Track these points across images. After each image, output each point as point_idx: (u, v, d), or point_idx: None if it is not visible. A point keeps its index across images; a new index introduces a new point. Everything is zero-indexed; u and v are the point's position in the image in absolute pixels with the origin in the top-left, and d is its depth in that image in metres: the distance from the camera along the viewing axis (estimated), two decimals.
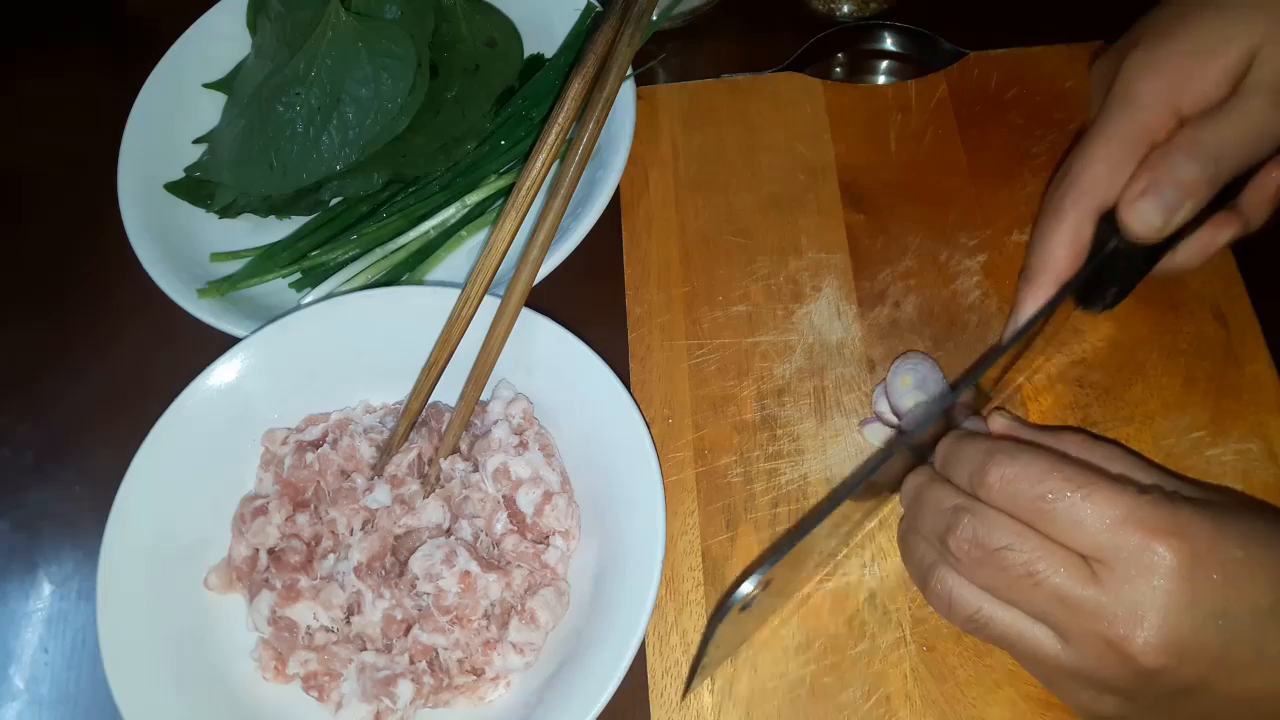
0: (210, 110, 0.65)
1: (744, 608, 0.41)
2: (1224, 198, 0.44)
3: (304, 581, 0.48)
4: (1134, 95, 0.45)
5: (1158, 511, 0.36)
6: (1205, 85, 0.43)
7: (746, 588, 0.40)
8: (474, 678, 0.47)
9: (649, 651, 0.47)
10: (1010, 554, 0.37)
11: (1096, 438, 0.43)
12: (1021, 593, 0.37)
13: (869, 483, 0.43)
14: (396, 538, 0.49)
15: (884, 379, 0.52)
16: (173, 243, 0.60)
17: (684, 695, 0.46)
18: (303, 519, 0.50)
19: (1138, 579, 0.35)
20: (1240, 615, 0.35)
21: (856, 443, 0.51)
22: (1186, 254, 0.46)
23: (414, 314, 0.52)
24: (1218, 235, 0.46)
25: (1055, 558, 0.37)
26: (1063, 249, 0.45)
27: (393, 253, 0.59)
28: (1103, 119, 0.46)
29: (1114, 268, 0.45)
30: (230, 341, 0.52)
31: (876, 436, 0.50)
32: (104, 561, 0.47)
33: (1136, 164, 0.44)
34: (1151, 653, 0.35)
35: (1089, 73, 0.51)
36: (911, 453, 0.44)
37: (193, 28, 0.66)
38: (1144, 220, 0.43)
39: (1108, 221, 0.45)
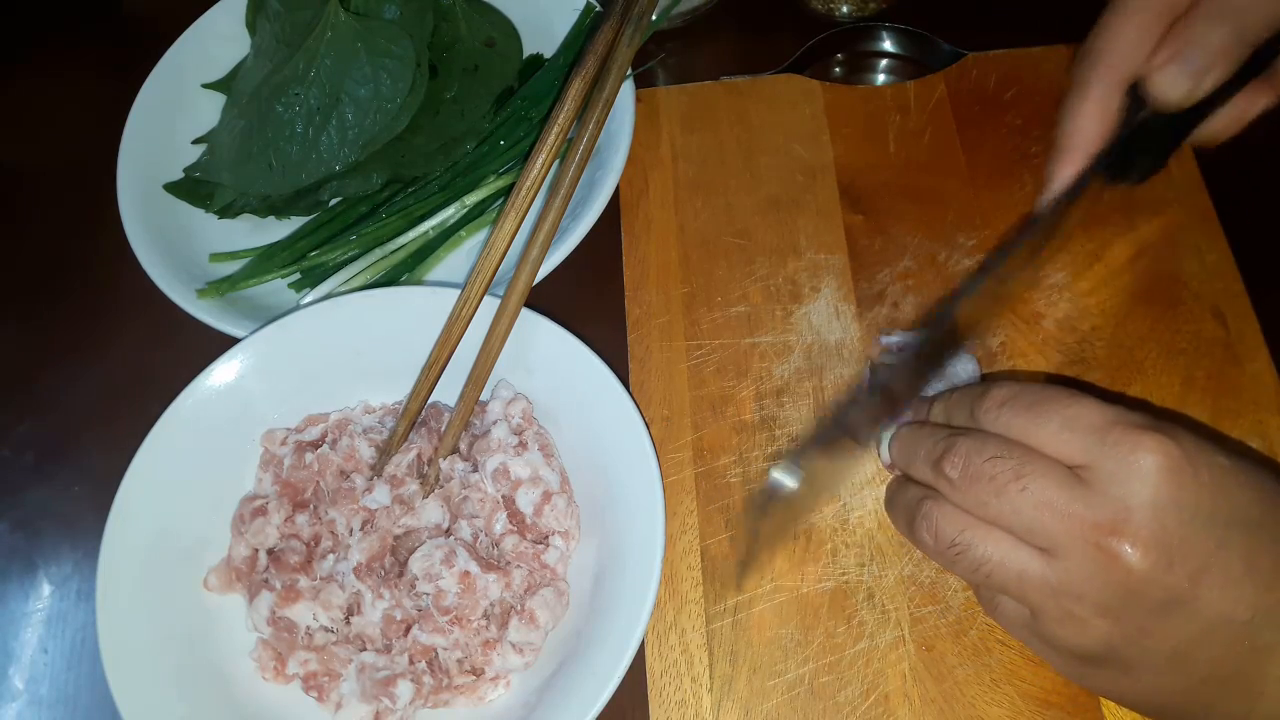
0: (210, 110, 0.65)
1: (780, 502, 0.41)
2: (1258, 66, 0.44)
3: (303, 582, 0.48)
4: None
5: (1142, 416, 0.36)
6: None
7: (776, 482, 0.40)
8: (473, 678, 0.47)
9: (648, 651, 0.47)
10: (1000, 461, 0.37)
11: None
12: (1009, 501, 0.37)
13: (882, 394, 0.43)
14: (396, 538, 0.49)
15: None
16: (172, 243, 0.60)
17: (738, 587, 0.47)
18: (302, 519, 0.50)
19: (1125, 476, 0.35)
20: (1230, 522, 0.35)
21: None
22: (1221, 123, 0.46)
23: (414, 314, 0.52)
24: (1252, 104, 0.45)
25: (1041, 462, 0.37)
26: (1091, 122, 0.44)
27: (392, 253, 0.59)
28: None
29: (1144, 139, 0.45)
30: (230, 341, 0.52)
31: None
32: (103, 561, 0.47)
33: (1162, 31, 0.43)
34: (1140, 548, 0.34)
35: None
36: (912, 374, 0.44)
37: (192, 28, 0.66)
38: (1171, 87, 0.42)
39: (1135, 92, 0.44)
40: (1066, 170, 0.46)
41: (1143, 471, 0.35)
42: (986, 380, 0.50)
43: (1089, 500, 0.35)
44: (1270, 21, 0.42)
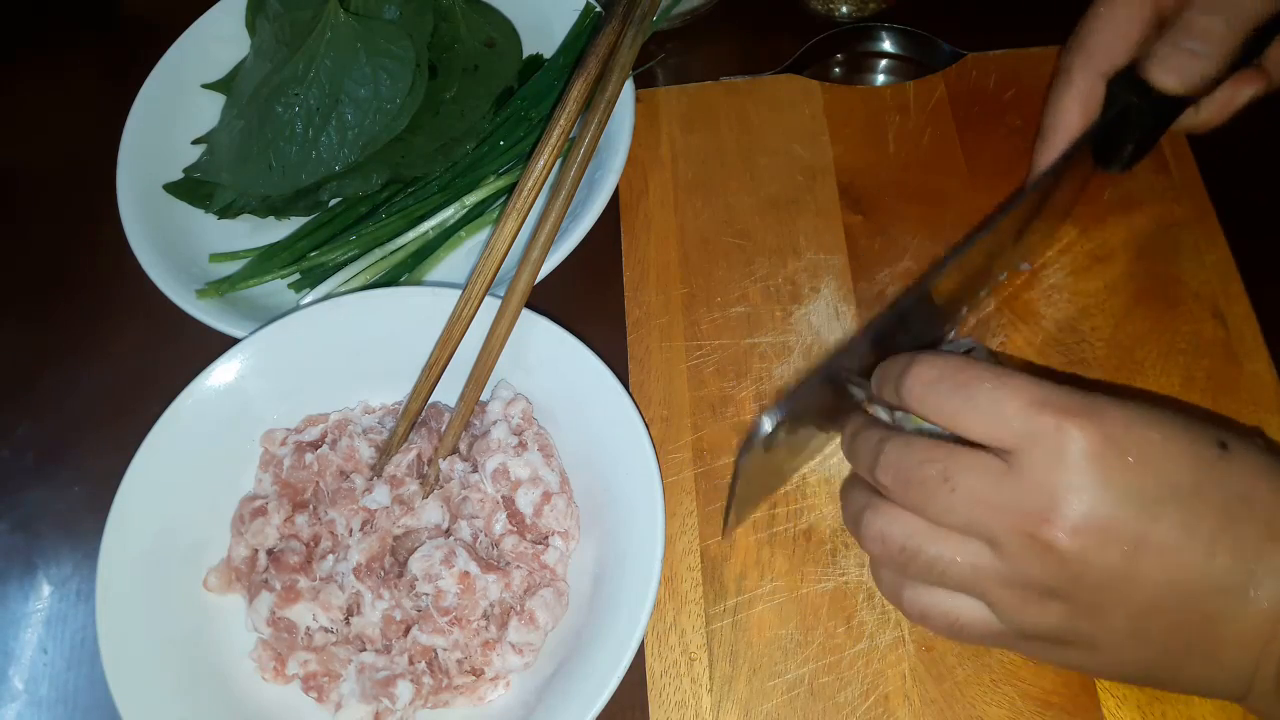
0: (209, 111, 0.65)
1: (767, 447, 0.40)
2: (1246, 55, 0.45)
3: (303, 582, 0.48)
4: None
5: (1071, 397, 0.36)
6: None
7: (766, 426, 0.39)
8: (473, 678, 0.47)
9: (648, 651, 0.47)
10: (927, 466, 0.37)
11: None
12: (943, 503, 0.37)
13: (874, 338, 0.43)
14: (395, 538, 0.49)
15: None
16: (172, 243, 0.60)
17: (724, 534, 0.47)
18: (302, 520, 0.50)
19: (1050, 463, 0.35)
20: (1161, 496, 0.35)
21: None
22: (1208, 113, 0.47)
23: (414, 314, 0.52)
24: (1239, 92, 0.47)
25: (967, 459, 0.36)
26: (1074, 110, 0.47)
27: (392, 253, 0.59)
28: None
29: (1128, 125, 0.47)
30: (229, 342, 0.52)
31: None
32: (103, 562, 0.47)
33: (1143, 24, 0.45)
34: (1067, 533, 0.35)
35: None
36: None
37: (192, 28, 0.66)
38: (1170, 74, 0.44)
39: (1118, 81, 0.46)
40: (1050, 155, 0.48)
41: (1068, 458, 0.35)
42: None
43: (1017, 490, 0.35)
44: (1262, 10, 0.44)
